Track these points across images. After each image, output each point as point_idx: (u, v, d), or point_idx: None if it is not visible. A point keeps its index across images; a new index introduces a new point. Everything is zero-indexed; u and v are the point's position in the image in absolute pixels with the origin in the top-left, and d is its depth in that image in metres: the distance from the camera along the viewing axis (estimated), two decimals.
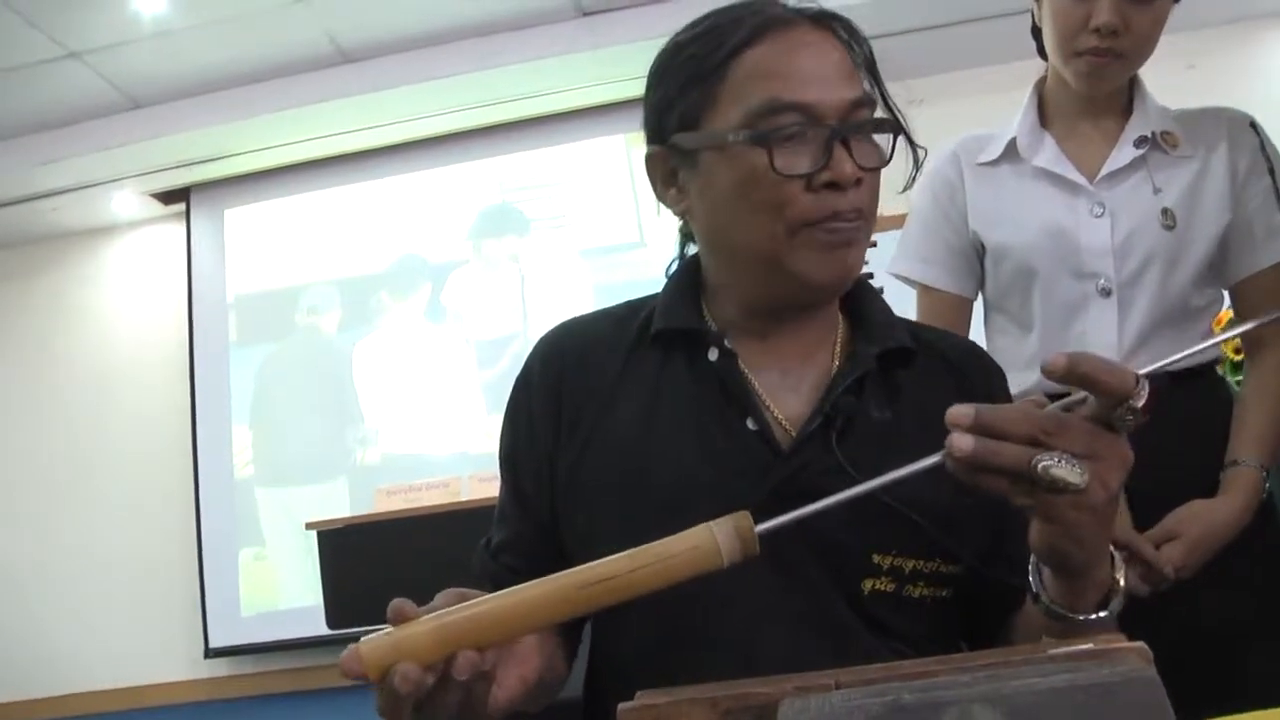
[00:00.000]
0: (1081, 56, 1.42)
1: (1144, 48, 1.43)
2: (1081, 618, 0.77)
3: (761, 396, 0.96)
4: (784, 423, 0.95)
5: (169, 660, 5.21)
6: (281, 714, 4.96)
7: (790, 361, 0.99)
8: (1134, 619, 1.29)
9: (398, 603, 0.71)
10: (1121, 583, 0.79)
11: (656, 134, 1.00)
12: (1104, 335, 1.44)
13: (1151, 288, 1.44)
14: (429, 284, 5.38)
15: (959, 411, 0.69)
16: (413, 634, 0.69)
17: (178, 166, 5.30)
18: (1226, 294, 1.54)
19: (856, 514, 0.88)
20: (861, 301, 1.04)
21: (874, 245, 3.35)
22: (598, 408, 0.99)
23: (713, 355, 0.97)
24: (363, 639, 0.70)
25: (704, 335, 0.99)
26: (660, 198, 1.03)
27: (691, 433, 0.95)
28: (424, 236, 5.42)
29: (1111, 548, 0.78)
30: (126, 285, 5.79)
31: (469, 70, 4.72)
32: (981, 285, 1.61)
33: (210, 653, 5.11)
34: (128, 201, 5.55)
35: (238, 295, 5.54)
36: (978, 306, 1.64)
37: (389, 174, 5.44)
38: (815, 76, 0.91)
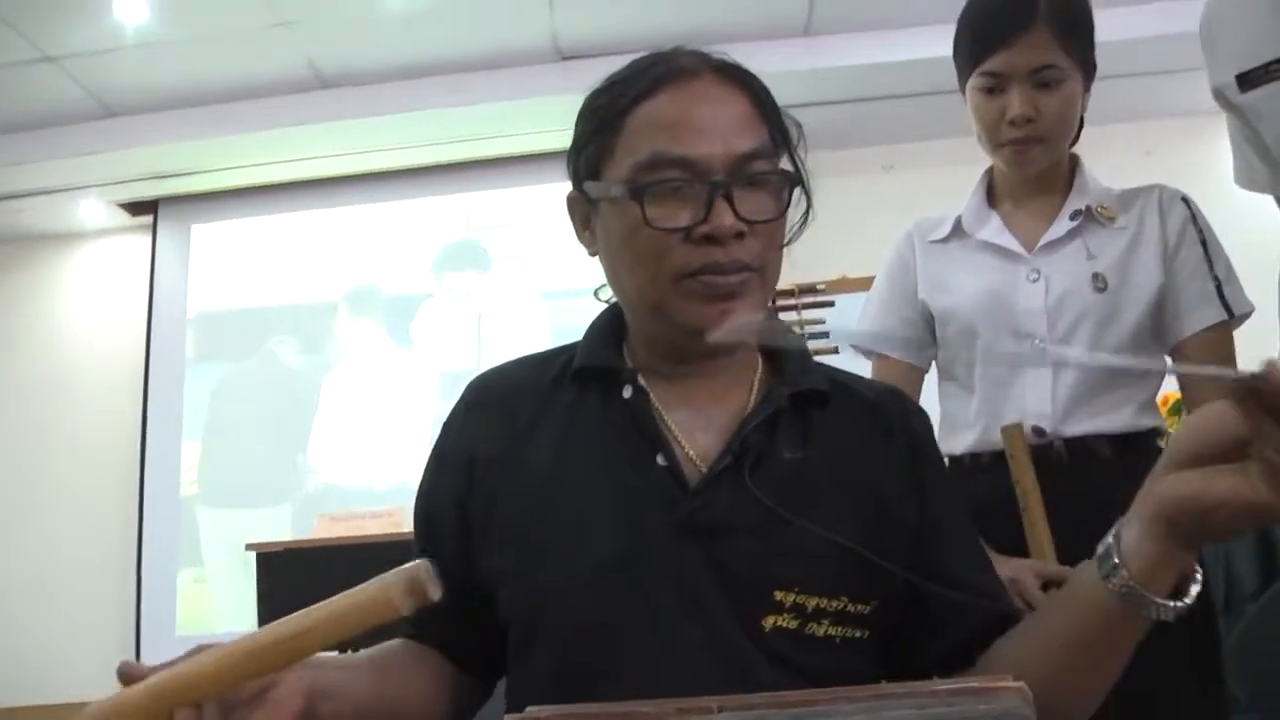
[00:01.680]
0: (1005, 147, 1.53)
1: (1060, 128, 1.52)
2: (1160, 600, 0.72)
3: (674, 433, 0.98)
4: (695, 459, 0.96)
5: (97, 679, 5.07)
6: None
7: (704, 400, 1.00)
8: None
9: (125, 664, 0.72)
10: (1199, 574, 0.75)
11: (574, 178, 1.03)
12: (1040, 392, 1.52)
13: (1083, 346, 1.52)
14: (388, 314, 5.39)
15: None
16: (129, 697, 0.71)
17: (148, 178, 5.29)
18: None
19: (764, 550, 0.90)
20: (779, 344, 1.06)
21: (831, 304, 3.44)
22: (515, 445, 1.01)
23: (627, 393, 0.99)
24: (88, 706, 0.71)
25: (620, 373, 1.01)
26: (579, 238, 1.06)
27: (602, 467, 0.96)
28: (387, 266, 5.42)
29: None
30: (88, 293, 5.75)
31: (445, 105, 4.77)
32: (934, 356, 1.68)
33: None
34: (95, 209, 5.52)
35: (199, 312, 5.51)
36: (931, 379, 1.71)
37: (358, 202, 5.46)
38: (705, 129, 0.92)
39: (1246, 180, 1.50)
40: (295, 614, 0.72)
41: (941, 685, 0.47)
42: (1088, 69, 1.52)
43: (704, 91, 0.95)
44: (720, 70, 0.97)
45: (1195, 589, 0.73)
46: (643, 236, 0.92)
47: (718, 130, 0.93)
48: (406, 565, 0.73)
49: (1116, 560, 0.73)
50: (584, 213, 1.03)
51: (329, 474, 5.19)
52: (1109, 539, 0.75)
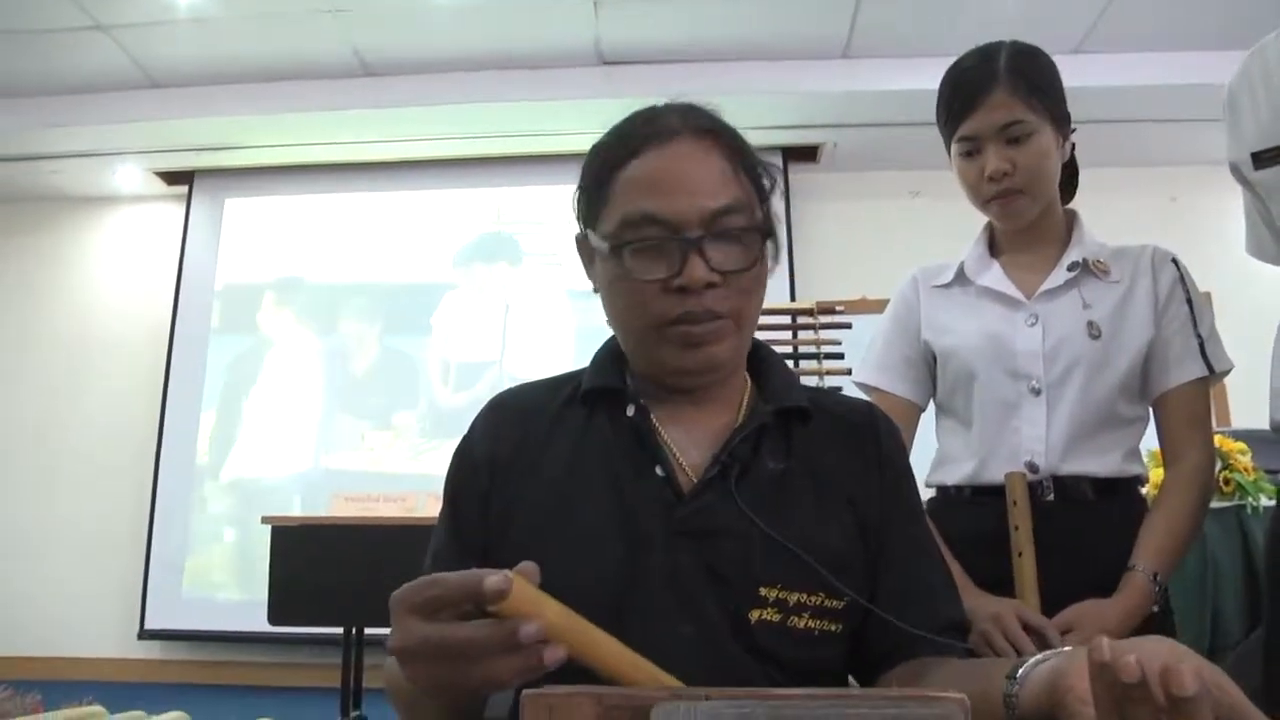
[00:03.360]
0: (991, 203, 1.62)
1: (1039, 179, 1.60)
2: None
3: (670, 447, 1.07)
4: (688, 470, 1.06)
5: (99, 636, 5.21)
6: (206, 705, 4.95)
7: (698, 418, 1.10)
8: None
9: (529, 566, 0.74)
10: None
11: (578, 220, 1.14)
12: (1034, 430, 1.60)
13: (1076, 390, 1.59)
14: (414, 300, 5.47)
15: None
16: (553, 604, 0.70)
17: (186, 150, 5.41)
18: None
19: (751, 550, 0.99)
20: (764, 367, 1.16)
21: (848, 326, 3.48)
22: (530, 457, 1.10)
23: (630, 411, 1.09)
24: (511, 574, 0.68)
25: (623, 394, 1.11)
26: (587, 274, 1.16)
27: (608, 477, 1.05)
28: (418, 254, 5.51)
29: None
30: (119, 257, 5.86)
31: (486, 100, 4.86)
32: (933, 393, 1.77)
33: (144, 634, 5.12)
34: (131, 175, 5.63)
35: (226, 284, 5.61)
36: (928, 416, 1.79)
37: (392, 188, 5.56)
38: (680, 188, 1.01)
39: (1257, 250, 1.56)
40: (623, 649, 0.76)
41: (895, 691, 0.53)
42: (1058, 121, 1.60)
43: (682, 152, 1.04)
44: (699, 130, 1.05)
45: None
46: (626, 287, 1.03)
47: (692, 189, 1.02)
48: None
49: (1015, 694, 0.78)
50: (589, 252, 1.13)
51: (338, 456, 5.28)
52: (1021, 670, 0.78)
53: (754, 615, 0.98)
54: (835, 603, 1.00)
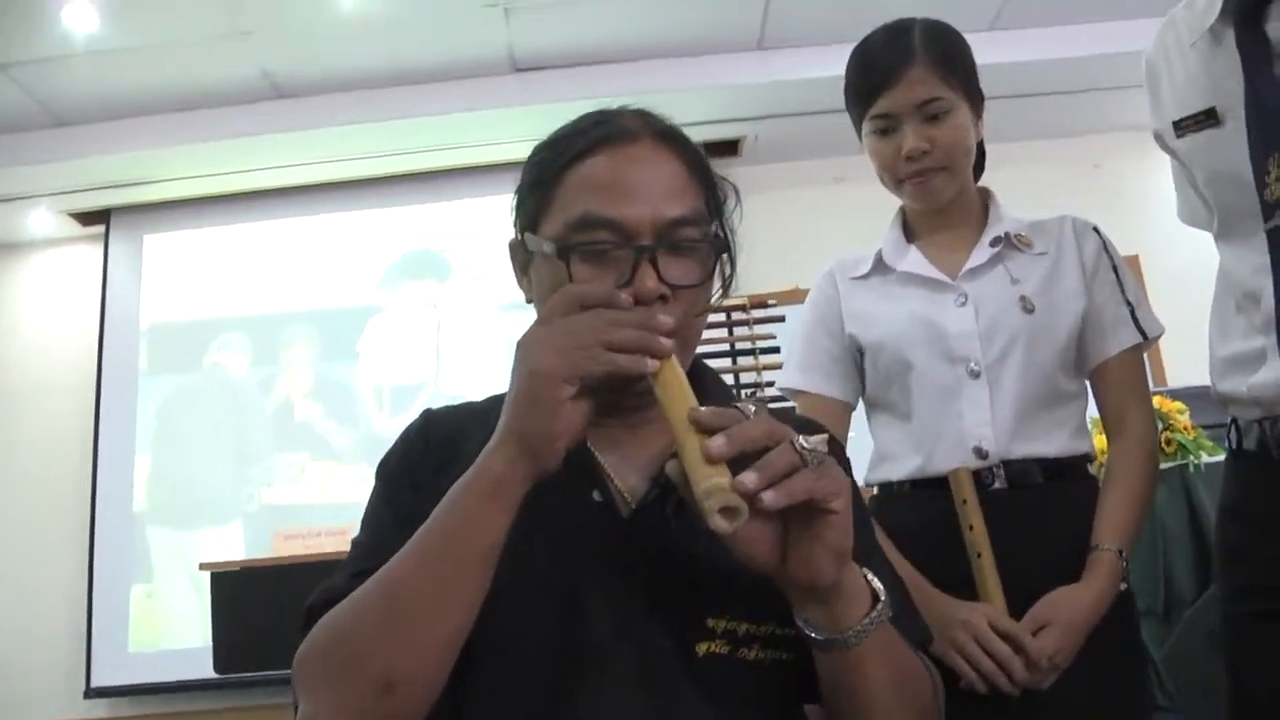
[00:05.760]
0: (906, 182, 1.58)
1: (957, 154, 1.57)
2: (851, 633, 0.85)
3: (607, 472, 1.02)
4: (626, 495, 1.01)
5: (42, 697, 4.97)
6: None
7: (635, 442, 1.04)
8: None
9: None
10: (882, 594, 0.88)
11: (515, 226, 1.07)
12: (978, 414, 1.54)
13: (1016, 367, 1.55)
14: (344, 326, 5.35)
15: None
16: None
17: (99, 188, 5.23)
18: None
19: (695, 579, 0.93)
20: (700, 382, 1.08)
21: (781, 319, 3.46)
22: None
23: None
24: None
25: None
26: (519, 284, 1.10)
27: (543, 504, 0.96)
28: (344, 278, 5.39)
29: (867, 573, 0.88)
30: (38, 303, 5.66)
31: (401, 116, 4.77)
32: (863, 390, 1.70)
33: (90, 692, 4.92)
34: (44, 219, 5.45)
35: (151, 324, 5.44)
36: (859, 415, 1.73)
37: (313, 212, 5.42)
38: (636, 193, 0.95)
39: (1189, 217, 1.56)
40: None
41: None
42: (973, 99, 1.58)
43: (640, 155, 0.98)
44: (659, 135, 1.00)
45: (882, 605, 0.88)
46: None
47: (648, 194, 0.96)
48: None
49: (806, 632, 0.89)
50: (523, 260, 1.07)
51: (279, 490, 5.14)
52: (797, 618, 0.89)
53: (701, 648, 0.93)
54: (787, 630, 0.92)
